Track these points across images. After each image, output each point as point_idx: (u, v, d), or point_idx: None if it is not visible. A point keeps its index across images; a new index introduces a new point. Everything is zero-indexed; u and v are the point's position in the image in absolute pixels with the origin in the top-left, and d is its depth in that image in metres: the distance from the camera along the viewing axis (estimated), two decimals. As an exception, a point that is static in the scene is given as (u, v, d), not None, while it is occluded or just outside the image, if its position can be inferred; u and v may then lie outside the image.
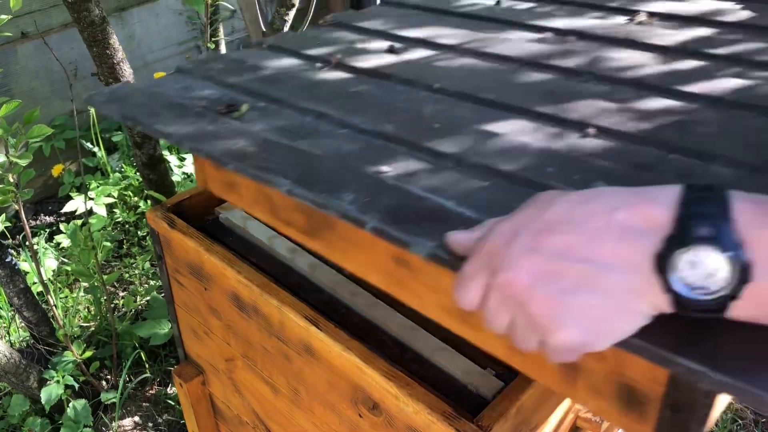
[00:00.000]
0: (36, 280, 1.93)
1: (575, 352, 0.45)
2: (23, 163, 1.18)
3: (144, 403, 1.85)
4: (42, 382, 1.63)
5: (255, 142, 0.75)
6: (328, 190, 0.65)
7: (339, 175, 0.67)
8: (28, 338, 1.84)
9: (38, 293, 1.95)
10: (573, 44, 0.98)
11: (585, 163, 0.67)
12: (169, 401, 1.84)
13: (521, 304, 0.45)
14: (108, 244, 2.20)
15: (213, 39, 1.83)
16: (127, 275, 2.26)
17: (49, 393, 1.59)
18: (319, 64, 0.96)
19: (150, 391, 1.90)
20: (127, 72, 1.67)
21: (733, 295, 0.40)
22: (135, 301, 2.04)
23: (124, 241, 2.45)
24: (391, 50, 0.99)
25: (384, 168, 0.68)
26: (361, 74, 0.93)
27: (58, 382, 1.61)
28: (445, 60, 0.96)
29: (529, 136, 0.73)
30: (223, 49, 2.04)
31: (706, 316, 0.42)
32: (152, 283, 2.20)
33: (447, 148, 0.71)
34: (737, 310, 0.41)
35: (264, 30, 1.95)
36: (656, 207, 0.41)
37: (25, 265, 2.03)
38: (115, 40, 1.62)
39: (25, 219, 1.47)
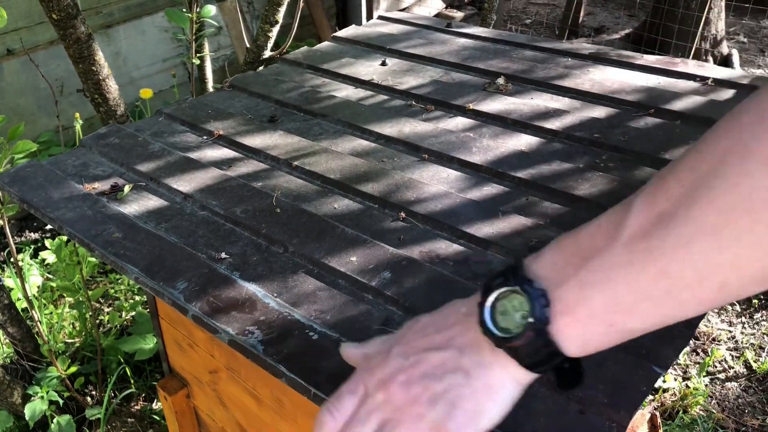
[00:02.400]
0: (21, 296, 1.92)
1: None
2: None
3: (129, 419, 1.84)
4: (26, 398, 1.62)
5: (123, 227, 0.83)
6: (167, 278, 0.74)
7: (182, 263, 0.76)
8: (12, 354, 1.83)
9: (23, 309, 1.94)
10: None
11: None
12: (155, 416, 1.84)
13: (401, 405, 0.49)
14: (93, 259, 2.19)
15: (198, 55, 1.84)
16: (112, 291, 2.26)
17: (33, 409, 1.58)
18: (204, 137, 1.03)
19: (135, 407, 1.90)
20: (112, 88, 1.69)
21: (543, 320, 0.44)
22: (120, 317, 2.04)
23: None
24: (272, 120, 1.03)
25: (223, 255, 0.77)
26: (237, 148, 1.00)
27: (42, 397, 1.61)
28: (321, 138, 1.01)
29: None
30: (208, 65, 2.06)
31: (550, 364, 0.46)
32: (137, 298, 2.20)
33: (280, 235, 0.79)
34: (568, 342, 0.45)
35: (248, 46, 1.97)
36: (470, 305, 0.50)
37: (9, 282, 2.03)
38: (100, 57, 1.63)
39: (9, 235, 1.47)
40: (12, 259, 1.51)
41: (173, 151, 0.98)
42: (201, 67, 2.02)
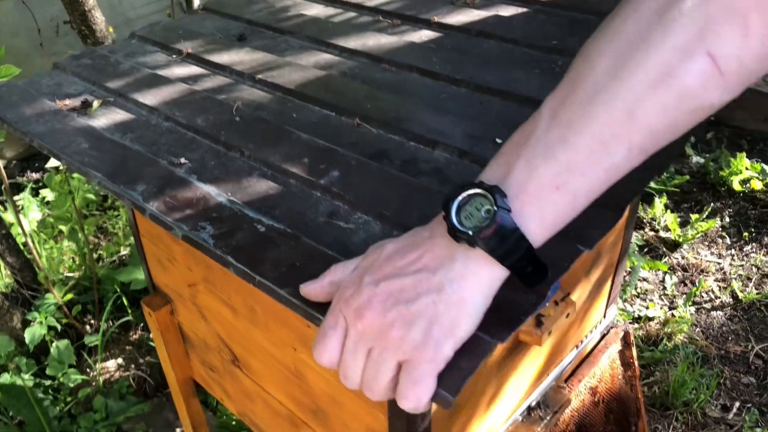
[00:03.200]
0: (20, 231, 1.98)
1: (436, 362, 0.51)
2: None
3: (127, 347, 1.91)
4: (25, 324, 1.69)
5: (90, 138, 0.86)
6: (127, 182, 0.77)
7: (143, 168, 0.79)
8: (12, 284, 1.90)
9: (23, 244, 2.00)
10: None
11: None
12: (152, 344, 1.90)
13: (378, 329, 0.51)
14: (91, 196, 2.24)
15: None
16: (110, 227, 2.31)
17: (33, 333, 1.65)
18: (174, 56, 1.06)
19: (133, 336, 1.96)
20: (98, 19, 1.70)
21: (504, 207, 0.49)
22: (118, 251, 2.09)
23: (108, 195, 2.49)
24: (241, 38, 1.04)
25: (183, 160, 0.80)
26: (205, 65, 1.02)
27: (41, 323, 1.67)
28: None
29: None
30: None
31: (518, 254, 0.50)
32: (124, 240, 2.25)
33: (238, 141, 0.82)
34: (530, 221, 0.50)
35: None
36: (434, 223, 0.54)
37: (9, 217, 2.08)
38: (86, -12, 1.64)
39: (1, 166, 1.51)
40: (4, 187, 1.56)
41: (142, 69, 1.01)
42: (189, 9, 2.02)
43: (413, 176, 0.72)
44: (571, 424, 1.25)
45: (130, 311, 1.93)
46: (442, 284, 0.50)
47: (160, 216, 0.70)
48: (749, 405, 1.75)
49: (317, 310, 0.58)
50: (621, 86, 0.48)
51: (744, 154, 2.51)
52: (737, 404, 1.76)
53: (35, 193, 2.50)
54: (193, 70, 1.00)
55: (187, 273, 1.11)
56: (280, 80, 0.92)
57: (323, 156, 0.77)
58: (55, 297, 1.69)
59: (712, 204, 2.44)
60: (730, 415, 1.73)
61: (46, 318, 1.68)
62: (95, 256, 1.94)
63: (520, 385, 1.09)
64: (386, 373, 0.52)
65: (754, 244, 2.30)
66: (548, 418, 1.16)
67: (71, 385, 1.75)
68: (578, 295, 1.11)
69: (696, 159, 2.63)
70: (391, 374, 0.52)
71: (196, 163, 0.78)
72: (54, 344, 1.70)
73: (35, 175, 2.68)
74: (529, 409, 1.16)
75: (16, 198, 2.38)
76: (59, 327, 1.72)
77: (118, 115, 0.90)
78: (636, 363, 1.40)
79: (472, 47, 0.95)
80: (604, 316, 1.32)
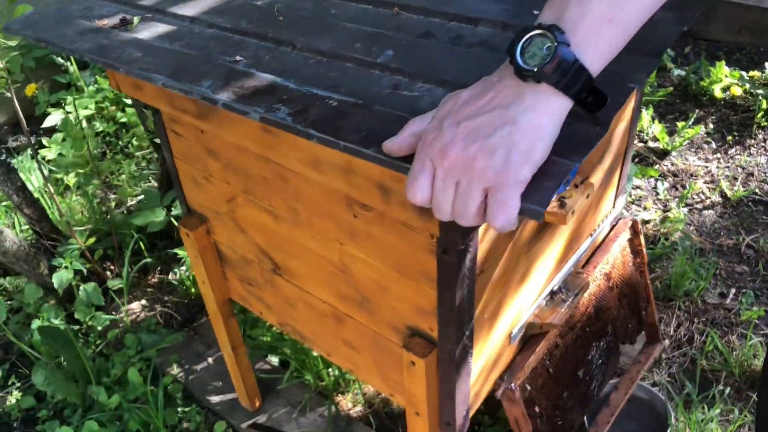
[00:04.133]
0: (34, 185, 2.00)
1: (517, 184, 0.57)
2: (12, 43, 1.24)
3: (148, 289, 1.97)
4: (52, 270, 1.73)
5: (140, 48, 0.90)
6: (191, 80, 0.81)
7: (202, 67, 0.83)
8: (31, 236, 1.93)
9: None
10: None
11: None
12: (173, 283, 1.96)
13: (463, 163, 0.58)
14: (99, 128, 2.26)
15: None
16: (114, 180, 2.34)
17: (60, 278, 1.69)
18: None
19: (152, 279, 2.02)
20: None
21: (564, 42, 0.56)
22: (133, 194, 2.12)
23: (107, 151, 2.51)
24: None
25: (238, 57, 0.84)
26: None
27: (66, 267, 1.72)
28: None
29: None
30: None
31: (580, 83, 0.56)
32: (142, 184, 2.28)
33: (287, 36, 0.87)
34: (587, 52, 0.56)
35: None
36: (501, 69, 0.60)
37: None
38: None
39: (19, 109, 1.53)
40: (22, 141, 1.57)
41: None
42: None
43: (463, 47, 0.78)
44: (590, 307, 1.34)
45: (147, 255, 1.98)
46: (516, 117, 0.57)
47: (233, 104, 0.75)
48: (744, 290, 1.87)
49: (404, 161, 0.64)
50: None
51: (723, 62, 2.60)
52: (733, 290, 1.87)
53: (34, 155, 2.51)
54: None
55: (225, 188, 1.16)
56: (311, -14, 0.97)
57: (372, 40, 0.82)
58: (77, 242, 1.73)
59: (697, 111, 2.54)
60: (728, 301, 1.84)
61: (71, 263, 1.72)
62: (107, 204, 1.98)
63: (545, 269, 1.17)
64: (475, 199, 0.59)
65: (737, 146, 2.40)
66: (570, 299, 1.25)
67: (99, 327, 1.80)
68: (594, 179, 1.18)
69: (677, 72, 2.72)
70: (479, 200, 0.59)
71: (252, 59, 0.83)
72: (81, 288, 1.75)
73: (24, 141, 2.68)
74: (552, 293, 1.25)
75: (14, 161, 2.39)
76: (85, 271, 1.77)
77: (161, 28, 0.94)
78: (644, 250, 1.49)
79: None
80: (614, 207, 1.41)
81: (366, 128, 0.68)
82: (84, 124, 2.16)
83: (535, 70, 0.56)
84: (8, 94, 1.38)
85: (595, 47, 0.57)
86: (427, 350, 0.99)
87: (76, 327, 1.82)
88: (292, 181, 1.01)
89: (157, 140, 1.89)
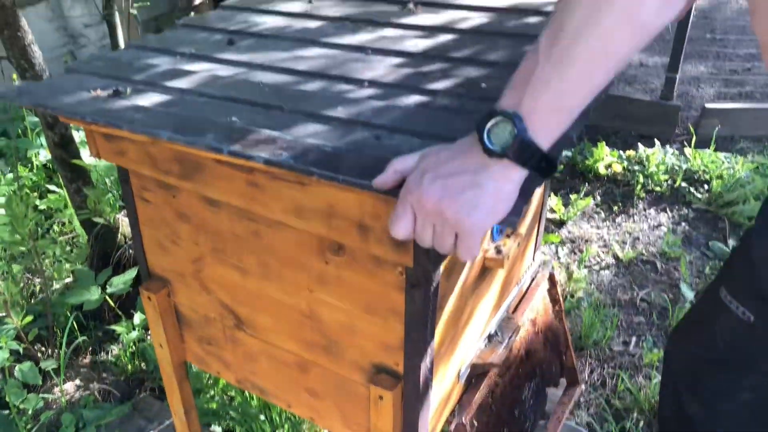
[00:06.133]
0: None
1: (477, 240, 0.75)
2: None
3: (82, 369, 1.95)
4: (-16, 351, 1.70)
5: (139, 111, 1.00)
6: (194, 134, 0.93)
7: (202, 125, 0.95)
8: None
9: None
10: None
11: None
12: (108, 361, 1.95)
13: (438, 212, 0.75)
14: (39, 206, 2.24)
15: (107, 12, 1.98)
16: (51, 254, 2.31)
17: (-3, 358, 1.67)
18: (178, 57, 1.22)
19: (84, 360, 2.00)
20: (37, 53, 1.79)
21: (522, 129, 0.70)
22: (59, 276, 2.11)
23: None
24: (230, 42, 1.25)
25: (234, 118, 0.97)
26: (213, 62, 1.19)
27: (1, 348, 1.69)
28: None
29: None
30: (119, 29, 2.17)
31: (535, 159, 0.72)
32: (68, 266, 2.27)
33: (275, 102, 1.01)
34: (540, 134, 0.72)
35: None
36: (471, 139, 0.75)
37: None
38: (24, 23, 1.73)
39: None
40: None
41: (158, 65, 1.14)
42: (113, 31, 2.13)
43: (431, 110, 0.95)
44: (521, 349, 1.50)
45: (79, 335, 1.96)
46: (481, 182, 0.73)
47: (239, 150, 0.86)
48: (644, 337, 2.10)
49: (390, 194, 0.78)
50: (596, 28, 0.67)
51: (603, 144, 2.95)
52: (634, 338, 2.10)
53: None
54: (204, 65, 1.15)
55: (193, 248, 1.24)
56: (288, 65, 1.12)
57: (351, 107, 0.97)
58: (14, 322, 1.72)
59: (586, 185, 2.85)
60: (631, 347, 2.06)
61: (6, 342, 1.70)
62: (37, 283, 1.97)
63: (484, 312, 1.33)
64: (448, 240, 0.76)
65: (623, 215, 2.71)
66: (506, 341, 1.40)
67: (31, 411, 1.76)
68: (521, 231, 1.36)
69: (565, 153, 3.05)
70: (452, 240, 0.76)
71: (247, 120, 0.95)
72: (17, 368, 1.72)
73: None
74: (490, 336, 1.40)
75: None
76: (21, 350, 1.74)
77: (155, 97, 1.03)
78: (561, 299, 1.68)
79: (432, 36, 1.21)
80: (533, 260, 1.60)
81: (359, 167, 0.82)
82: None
83: (499, 150, 0.71)
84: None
85: (547, 130, 0.72)
86: (394, 384, 1.09)
87: (6, 411, 1.77)
88: (265, 236, 1.12)
89: (97, 219, 1.93)
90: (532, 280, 1.61)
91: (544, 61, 0.71)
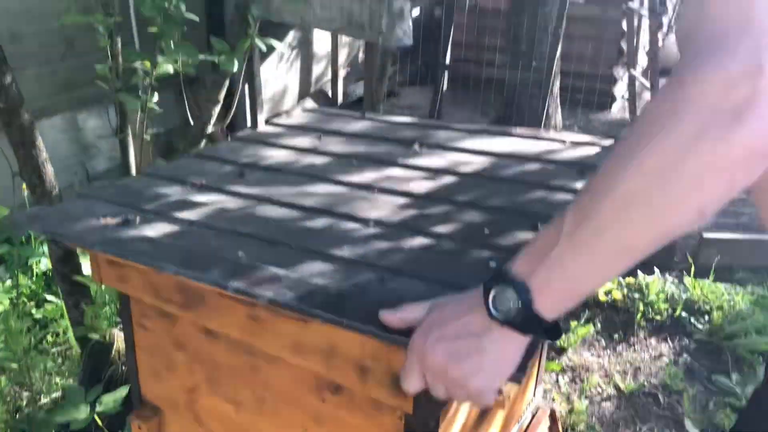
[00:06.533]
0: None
1: (489, 393, 0.76)
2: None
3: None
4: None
5: (147, 242, 1.03)
6: (200, 269, 0.95)
7: (208, 260, 0.97)
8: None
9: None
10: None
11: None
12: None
13: (444, 374, 0.76)
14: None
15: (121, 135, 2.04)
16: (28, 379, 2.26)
17: (-26, 481, 1.60)
18: (189, 187, 1.26)
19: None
20: (49, 170, 1.83)
21: (527, 303, 0.69)
22: (48, 391, 2.06)
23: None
24: (240, 174, 1.29)
25: (240, 253, 0.99)
26: (222, 193, 1.23)
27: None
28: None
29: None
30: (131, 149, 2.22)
31: (539, 329, 0.72)
32: (58, 380, 2.22)
33: (282, 239, 1.03)
34: (545, 311, 0.70)
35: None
36: (477, 298, 0.74)
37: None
38: (40, 141, 1.79)
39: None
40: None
41: (168, 194, 1.17)
42: (125, 151, 2.19)
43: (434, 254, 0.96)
44: (522, 490, 1.44)
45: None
46: (485, 347, 0.73)
47: (244, 289, 0.87)
48: (648, 476, 2.02)
49: (392, 339, 0.80)
50: (621, 230, 0.64)
51: (602, 270, 2.96)
52: (638, 476, 2.02)
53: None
54: (213, 197, 1.18)
55: (188, 378, 1.22)
56: (294, 200, 1.15)
57: (357, 246, 0.98)
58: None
59: (586, 312, 2.84)
60: (635, 487, 1.98)
61: (-14, 465, 1.64)
62: (25, 398, 1.92)
63: (485, 452, 1.28)
64: (460, 393, 0.77)
65: (623, 343, 2.69)
66: (506, 483, 1.35)
67: None
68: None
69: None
70: (464, 393, 0.76)
71: (254, 256, 0.96)
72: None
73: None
74: (490, 477, 1.35)
75: None
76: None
77: (164, 227, 1.05)
78: (561, 437, 1.64)
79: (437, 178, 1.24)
80: (534, 395, 1.57)
81: (363, 311, 0.82)
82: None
83: (502, 319, 0.71)
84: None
85: (555, 308, 0.70)
86: None
87: None
88: (263, 370, 1.11)
89: (92, 335, 1.91)
90: (533, 416, 1.57)
91: (565, 242, 0.68)
